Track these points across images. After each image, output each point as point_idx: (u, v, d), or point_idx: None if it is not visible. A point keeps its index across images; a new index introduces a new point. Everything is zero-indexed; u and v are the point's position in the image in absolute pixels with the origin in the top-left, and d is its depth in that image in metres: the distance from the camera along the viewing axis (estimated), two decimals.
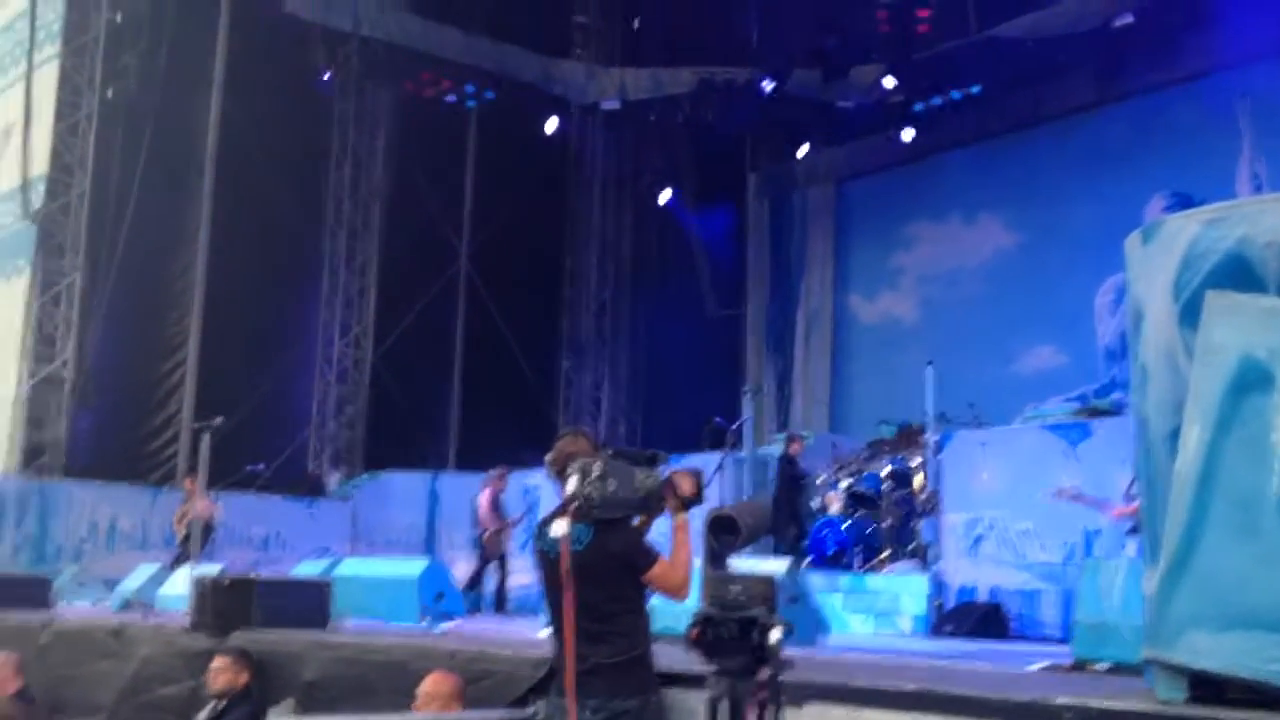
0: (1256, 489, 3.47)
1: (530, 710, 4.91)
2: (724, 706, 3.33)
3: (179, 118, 16.80)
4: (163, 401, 16.65)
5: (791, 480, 12.94)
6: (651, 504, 4.22)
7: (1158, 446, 4.01)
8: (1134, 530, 8.29)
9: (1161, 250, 4.16)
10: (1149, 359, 4.14)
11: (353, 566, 10.53)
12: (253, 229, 16.66)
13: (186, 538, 11.52)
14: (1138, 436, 4.21)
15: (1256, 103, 14.50)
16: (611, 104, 19.69)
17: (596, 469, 3.99)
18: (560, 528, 4.08)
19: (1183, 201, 13.11)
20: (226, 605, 7.19)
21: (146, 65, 16.73)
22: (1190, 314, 3.89)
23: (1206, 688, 3.52)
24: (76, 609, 10.53)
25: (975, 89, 17.59)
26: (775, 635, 3.23)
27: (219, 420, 9.53)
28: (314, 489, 17.32)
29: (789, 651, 3.45)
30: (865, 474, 12.71)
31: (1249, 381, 3.57)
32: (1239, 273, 3.89)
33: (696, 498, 4.25)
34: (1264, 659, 3.36)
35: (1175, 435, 3.81)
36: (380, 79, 19.02)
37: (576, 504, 3.98)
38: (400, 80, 18.97)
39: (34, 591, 9.94)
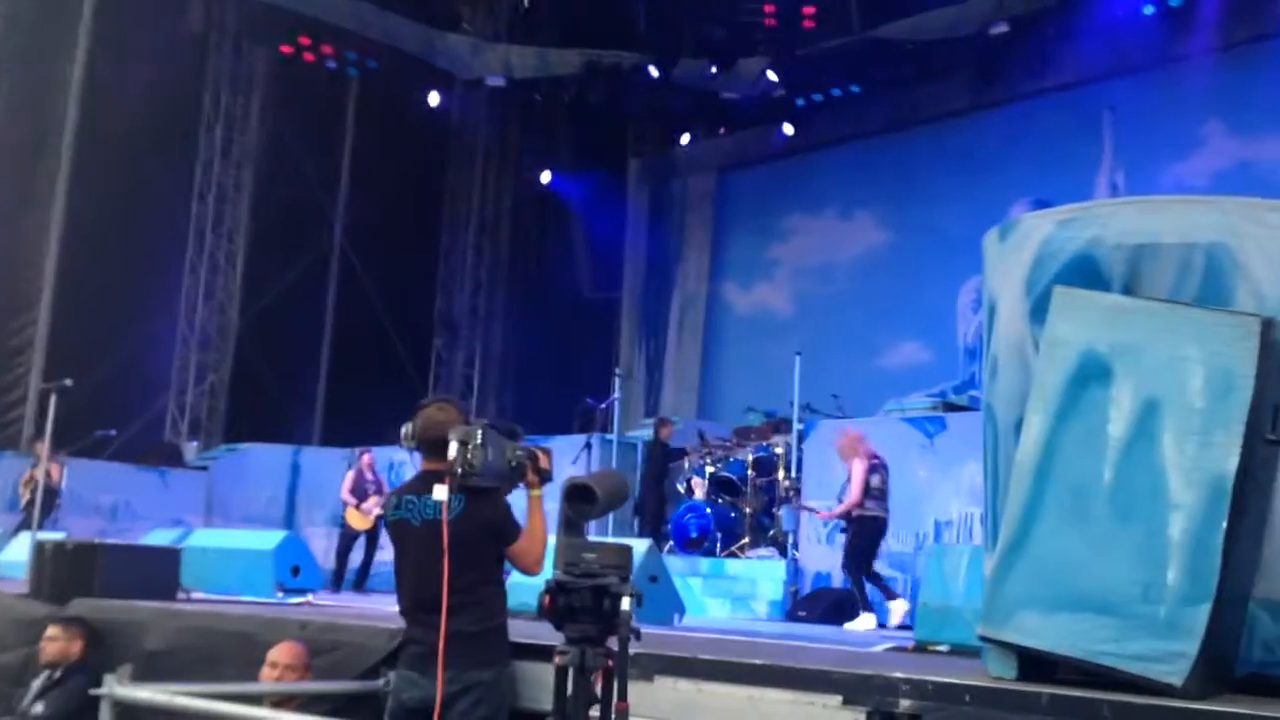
0: (1091, 477, 3.63)
1: (381, 681, 4.87)
2: (572, 675, 3.35)
3: (41, 69, 16.10)
4: (10, 362, 15.99)
5: (662, 464, 13.09)
6: (516, 476, 4.24)
7: (1003, 436, 4.16)
8: (843, 530, 9.88)
9: (1016, 247, 4.32)
10: (1000, 352, 4.29)
11: (205, 538, 10.26)
12: (115, 188, 16.02)
13: (30, 503, 11.11)
14: (985, 426, 4.36)
15: (1119, 115, 15.10)
16: (496, 81, 19.55)
17: (478, 437, 3.97)
18: (441, 493, 4.04)
19: (1044, 207, 13.60)
20: (67, 572, 6.96)
21: (8, 13, 15.99)
22: (1040, 310, 4.04)
23: (1036, 666, 3.68)
24: None
25: (855, 88, 17.93)
26: (626, 603, 3.26)
27: (68, 382, 9.18)
28: (169, 459, 16.81)
29: (643, 628, 3.49)
30: (731, 460, 12.88)
31: (1089, 374, 3.73)
32: (1087, 272, 4.06)
33: (550, 474, 4.29)
34: (1091, 639, 3.51)
35: (1020, 426, 3.95)
36: (258, 39, 18.51)
37: (460, 471, 3.95)
38: (278, 42, 18.47)
39: None
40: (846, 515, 9.73)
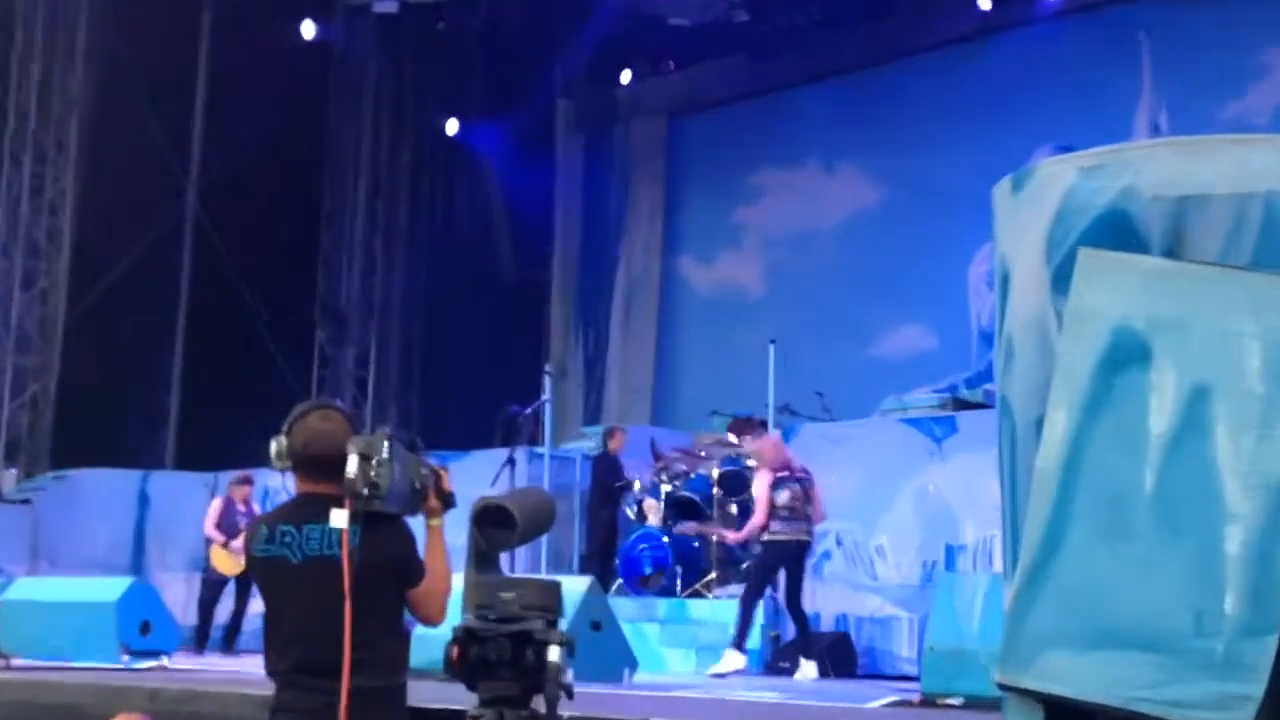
0: (1128, 483, 3.65)
1: None
2: None
3: None
4: None
5: (611, 484, 13.09)
6: (418, 500, 4.20)
7: (1022, 436, 4.18)
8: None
9: (1033, 201, 4.33)
10: (1015, 331, 4.31)
11: (28, 589, 10.20)
12: None
13: None
14: (1000, 424, 4.38)
15: (1159, 40, 15.26)
16: (387, 6, 19.47)
17: (384, 449, 3.92)
18: (340, 520, 3.97)
19: None
20: None
21: None
22: (1064, 278, 4.05)
23: (1067, 718, 3.70)
24: None
25: (834, 11, 18.00)
26: (554, 654, 3.25)
27: None
28: None
29: (582, 686, 3.48)
30: (692, 477, 12.91)
31: (1124, 356, 3.75)
32: (1120, 230, 4.08)
33: (453, 498, 4.27)
34: (1135, 684, 3.53)
35: (1042, 423, 3.98)
36: None
37: (364, 493, 3.90)
38: None
39: None
40: (755, 539, 10.25)
